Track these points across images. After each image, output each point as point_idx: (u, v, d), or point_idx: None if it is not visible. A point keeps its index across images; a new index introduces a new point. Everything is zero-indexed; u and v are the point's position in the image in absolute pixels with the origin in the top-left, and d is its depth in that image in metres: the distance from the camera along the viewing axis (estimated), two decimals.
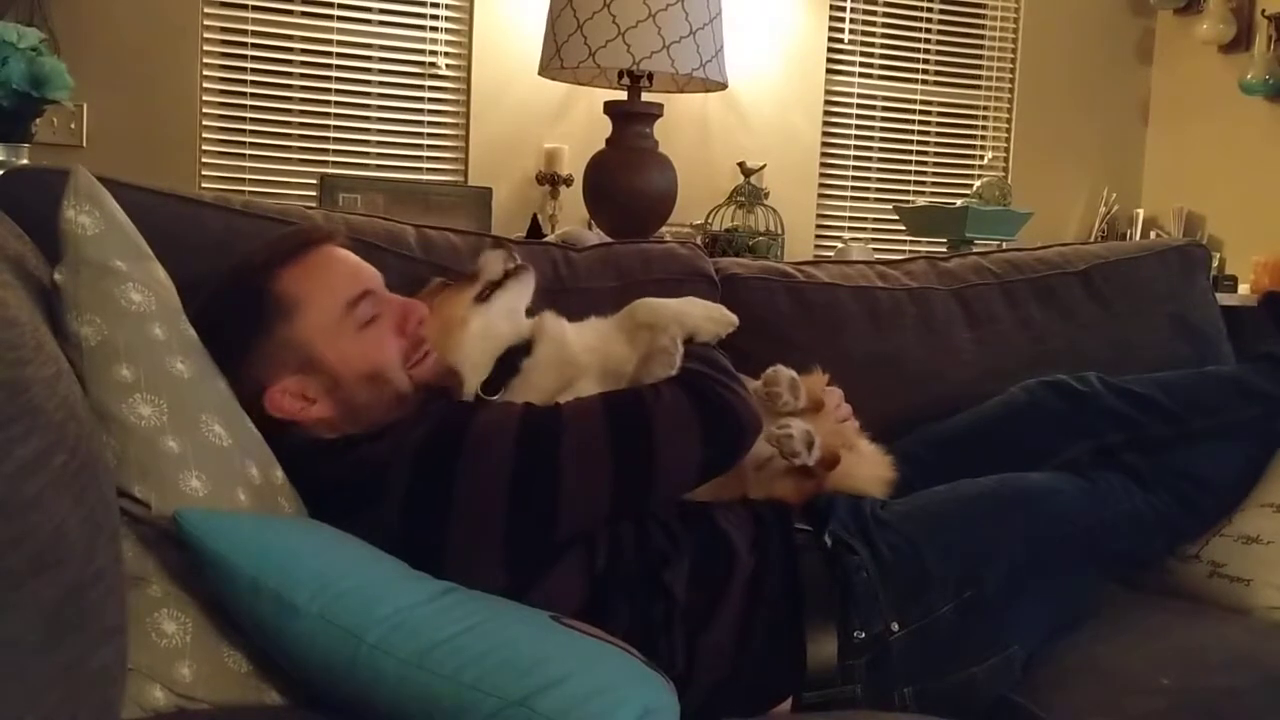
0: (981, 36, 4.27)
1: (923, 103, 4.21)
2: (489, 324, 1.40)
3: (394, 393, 1.29)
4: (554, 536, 1.19)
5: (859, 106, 4.12)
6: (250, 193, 3.40)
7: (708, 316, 1.41)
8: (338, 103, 3.55)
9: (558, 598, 1.17)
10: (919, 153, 4.23)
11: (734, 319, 1.43)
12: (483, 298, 1.42)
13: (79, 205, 1.15)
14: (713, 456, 1.26)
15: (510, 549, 1.16)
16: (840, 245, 3.85)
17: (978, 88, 4.29)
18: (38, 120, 2.51)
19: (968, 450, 1.61)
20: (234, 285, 1.28)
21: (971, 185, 3.85)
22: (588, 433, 1.21)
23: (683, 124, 3.72)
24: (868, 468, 1.49)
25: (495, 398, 1.35)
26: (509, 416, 1.23)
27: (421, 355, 1.33)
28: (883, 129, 4.18)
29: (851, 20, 4.07)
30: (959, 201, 3.67)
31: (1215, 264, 3.80)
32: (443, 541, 1.15)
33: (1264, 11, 3.90)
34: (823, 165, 4.06)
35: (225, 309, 1.25)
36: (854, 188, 4.15)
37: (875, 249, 3.93)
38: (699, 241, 3.15)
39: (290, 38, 3.49)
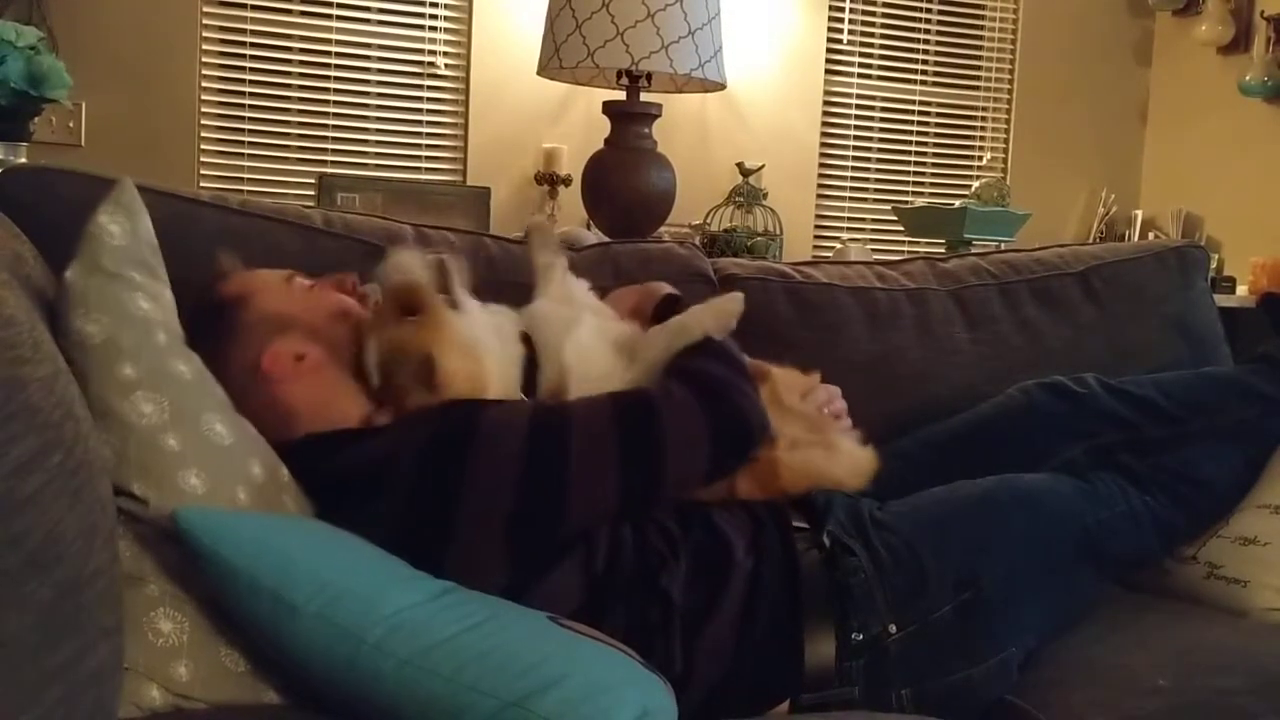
0: (980, 37, 4.27)
1: (921, 103, 4.21)
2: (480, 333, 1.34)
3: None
4: (559, 533, 1.19)
5: (858, 107, 4.12)
6: (249, 192, 3.40)
7: (716, 323, 1.39)
8: (336, 102, 3.55)
9: (557, 598, 1.17)
10: (917, 153, 4.23)
11: (736, 309, 1.41)
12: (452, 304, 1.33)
13: (113, 214, 1.18)
14: (720, 457, 1.27)
15: (514, 545, 1.16)
16: (839, 246, 3.85)
17: (976, 88, 4.29)
18: (36, 119, 2.51)
19: (966, 451, 1.61)
20: (187, 313, 1.27)
21: (970, 186, 3.85)
22: (597, 432, 1.21)
23: (681, 124, 3.72)
24: (842, 463, 1.46)
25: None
26: (519, 414, 1.23)
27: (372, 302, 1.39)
28: (881, 129, 4.18)
29: (850, 21, 4.07)
30: (957, 202, 3.67)
31: (1214, 265, 3.79)
32: (447, 535, 1.15)
33: (1263, 13, 3.90)
34: (821, 166, 4.06)
35: (192, 330, 1.25)
36: (852, 188, 4.15)
37: (873, 249, 3.94)
38: (697, 242, 3.14)
39: (289, 37, 3.49)
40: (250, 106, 3.46)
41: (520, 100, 3.63)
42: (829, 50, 4.02)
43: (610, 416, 1.23)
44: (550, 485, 1.17)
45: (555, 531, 1.19)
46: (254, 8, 3.44)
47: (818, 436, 1.44)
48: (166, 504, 1.05)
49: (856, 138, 4.14)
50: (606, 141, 3.26)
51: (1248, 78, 3.86)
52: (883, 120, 4.17)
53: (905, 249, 4.06)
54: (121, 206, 1.20)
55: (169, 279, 1.24)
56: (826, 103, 4.05)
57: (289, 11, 3.48)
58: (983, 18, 4.26)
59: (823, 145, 4.06)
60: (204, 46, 3.40)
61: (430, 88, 3.64)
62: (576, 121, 3.66)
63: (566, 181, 3.57)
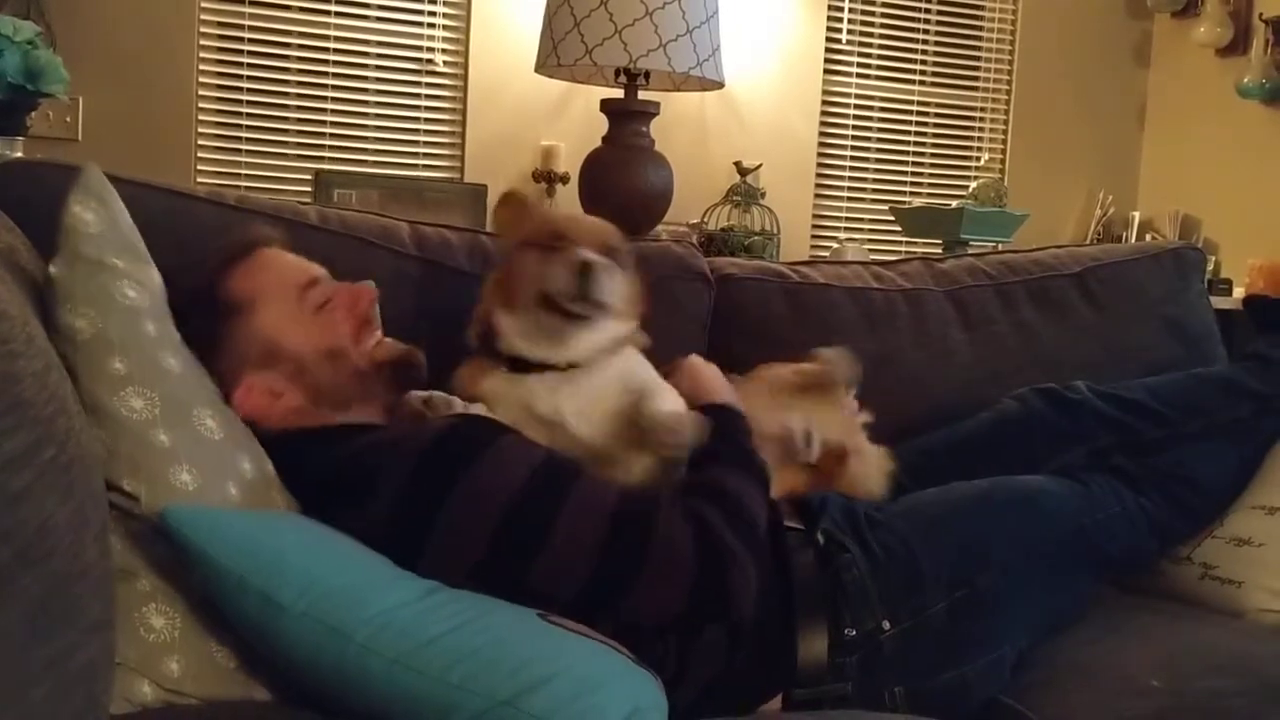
0: (979, 38, 4.27)
1: (920, 103, 4.21)
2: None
3: (353, 369, 1.30)
4: (522, 586, 1.10)
5: (856, 107, 4.12)
6: (245, 187, 3.39)
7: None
8: (334, 98, 3.54)
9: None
10: (915, 153, 4.23)
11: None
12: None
13: (85, 202, 1.16)
14: (694, 607, 1.14)
15: (476, 581, 1.09)
16: (836, 245, 3.84)
17: (975, 89, 4.29)
18: (33, 114, 2.51)
19: (964, 459, 1.61)
20: (186, 296, 1.25)
21: (968, 186, 3.85)
22: (589, 517, 1.13)
23: (679, 123, 3.72)
24: (872, 466, 1.50)
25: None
26: (528, 457, 1.15)
27: (374, 337, 1.34)
28: (879, 129, 4.17)
29: (849, 20, 4.07)
30: (955, 203, 3.67)
31: (1210, 267, 3.79)
32: (420, 554, 1.10)
33: (1261, 15, 3.90)
34: (819, 165, 4.06)
35: (183, 320, 1.22)
36: (850, 188, 4.15)
37: (871, 249, 3.93)
38: (695, 240, 3.15)
39: (287, 33, 3.48)
40: (248, 102, 3.45)
41: (518, 98, 3.63)
42: (828, 50, 4.02)
43: (609, 512, 1.14)
44: (527, 539, 1.11)
45: (519, 583, 1.10)
46: (252, 2, 3.43)
47: (850, 438, 1.49)
48: (158, 500, 1.05)
49: (854, 137, 4.13)
50: (604, 139, 3.26)
51: (1246, 80, 3.86)
52: (881, 120, 4.17)
53: (902, 249, 4.05)
54: (91, 193, 1.17)
55: (165, 276, 1.23)
56: (825, 102, 4.05)
57: (287, 7, 3.47)
58: (981, 18, 4.26)
59: (821, 145, 4.05)
60: (202, 42, 3.39)
61: (428, 84, 3.63)
62: (574, 119, 3.66)
63: (564, 179, 3.57)
